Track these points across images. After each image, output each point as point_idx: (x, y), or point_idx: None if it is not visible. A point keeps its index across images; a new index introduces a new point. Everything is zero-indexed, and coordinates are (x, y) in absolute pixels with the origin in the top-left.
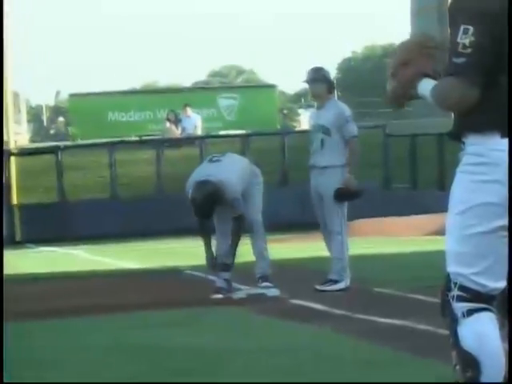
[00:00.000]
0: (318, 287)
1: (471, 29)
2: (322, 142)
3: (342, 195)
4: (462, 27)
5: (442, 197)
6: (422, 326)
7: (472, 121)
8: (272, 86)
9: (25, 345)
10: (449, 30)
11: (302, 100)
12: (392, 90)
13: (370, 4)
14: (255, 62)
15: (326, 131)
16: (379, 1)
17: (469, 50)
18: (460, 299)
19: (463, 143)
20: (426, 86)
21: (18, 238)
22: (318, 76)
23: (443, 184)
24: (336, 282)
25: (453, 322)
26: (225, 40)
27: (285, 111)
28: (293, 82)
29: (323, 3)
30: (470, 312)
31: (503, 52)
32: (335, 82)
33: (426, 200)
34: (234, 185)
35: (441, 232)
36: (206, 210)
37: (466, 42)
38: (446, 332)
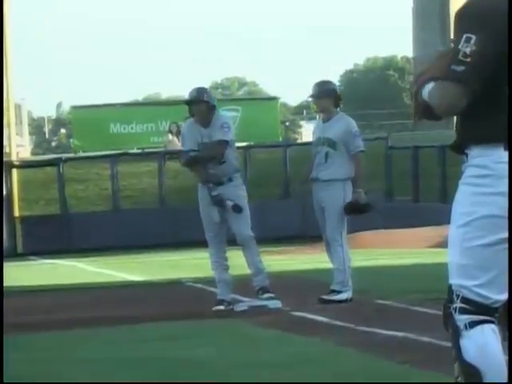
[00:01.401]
0: (322, 296)
1: (473, 38)
2: (327, 155)
3: (351, 209)
4: (464, 35)
5: (444, 209)
6: (424, 339)
7: (476, 132)
8: (274, 98)
9: (27, 356)
10: (451, 39)
11: (304, 112)
12: (412, 103)
13: (371, 16)
14: (257, 73)
15: (331, 145)
16: (381, 12)
17: (469, 59)
18: (462, 311)
19: (466, 155)
20: (427, 89)
21: (19, 250)
22: (323, 90)
23: (445, 196)
24: (339, 292)
25: (455, 333)
26: (227, 52)
27: (287, 123)
28: (295, 94)
29: (325, 16)
30: (473, 324)
31: (506, 62)
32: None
33: (428, 212)
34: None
35: (443, 244)
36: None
37: (467, 50)
38: (449, 344)
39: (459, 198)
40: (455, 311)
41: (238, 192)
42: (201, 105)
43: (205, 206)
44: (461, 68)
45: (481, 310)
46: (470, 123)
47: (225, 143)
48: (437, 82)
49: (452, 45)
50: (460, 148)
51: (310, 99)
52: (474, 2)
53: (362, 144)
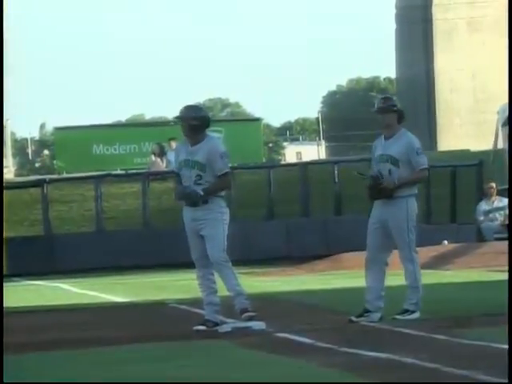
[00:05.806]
0: (395, 316)
1: None
2: (390, 172)
3: (372, 186)
4: None
5: (429, 230)
6: (407, 360)
7: None
8: (257, 120)
9: (12, 377)
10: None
11: (287, 133)
12: None
13: (354, 38)
14: (241, 95)
15: (394, 162)
16: (363, 34)
17: None
18: None
19: None
20: None
21: (3, 271)
22: (390, 105)
23: (429, 217)
24: (412, 312)
25: None
26: (210, 73)
27: (270, 144)
28: (278, 115)
29: (308, 38)
30: None
31: None
32: (320, 115)
33: None
34: None
35: (427, 265)
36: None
37: None
38: (432, 365)
39: None
40: None
41: (213, 215)
42: (189, 121)
43: (188, 227)
44: None
45: None
46: None
47: (229, 174)
48: None
49: None
50: None
51: (376, 113)
52: None
53: (426, 161)
